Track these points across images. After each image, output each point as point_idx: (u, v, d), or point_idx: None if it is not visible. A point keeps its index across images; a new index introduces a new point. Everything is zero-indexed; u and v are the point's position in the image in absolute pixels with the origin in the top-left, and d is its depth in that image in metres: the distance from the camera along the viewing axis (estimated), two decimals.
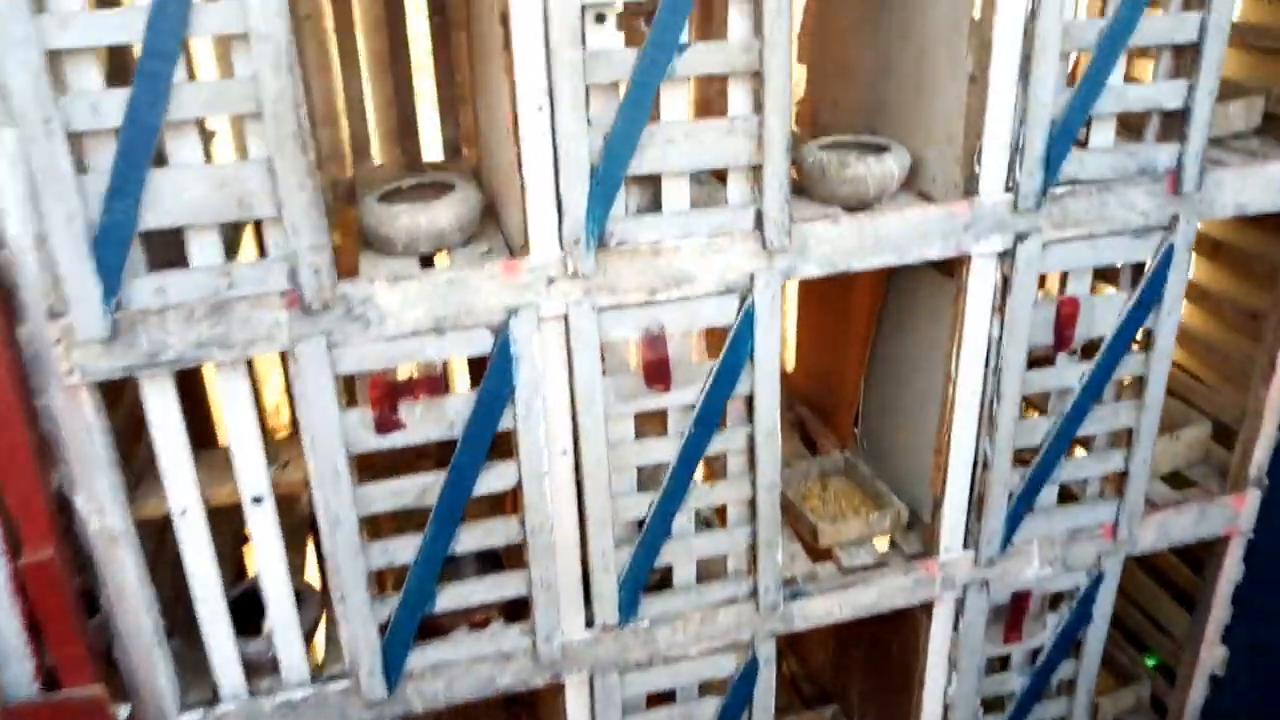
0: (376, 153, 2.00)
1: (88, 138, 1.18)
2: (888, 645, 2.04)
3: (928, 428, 1.77)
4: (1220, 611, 2.06)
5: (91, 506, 1.37)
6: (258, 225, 1.31)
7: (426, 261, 1.53)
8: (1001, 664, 2.01)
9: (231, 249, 1.47)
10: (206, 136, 1.68)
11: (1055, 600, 1.95)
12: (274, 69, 1.16)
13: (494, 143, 1.57)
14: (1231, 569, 2.04)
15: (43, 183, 1.16)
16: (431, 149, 2.04)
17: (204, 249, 1.29)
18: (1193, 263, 1.90)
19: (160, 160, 1.22)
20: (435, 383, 1.43)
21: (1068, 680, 2.04)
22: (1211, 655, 2.11)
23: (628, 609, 1.64)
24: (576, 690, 1.69)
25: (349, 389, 1.49)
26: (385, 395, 1.42)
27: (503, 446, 1.50)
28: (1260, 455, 1.94)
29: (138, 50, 1.14)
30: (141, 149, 1.18)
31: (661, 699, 1.77)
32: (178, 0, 1.10)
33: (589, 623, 1.65)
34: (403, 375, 1.44)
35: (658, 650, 1.69)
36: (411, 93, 1.98)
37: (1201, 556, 2.08)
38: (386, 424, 1.43)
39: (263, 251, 1.32)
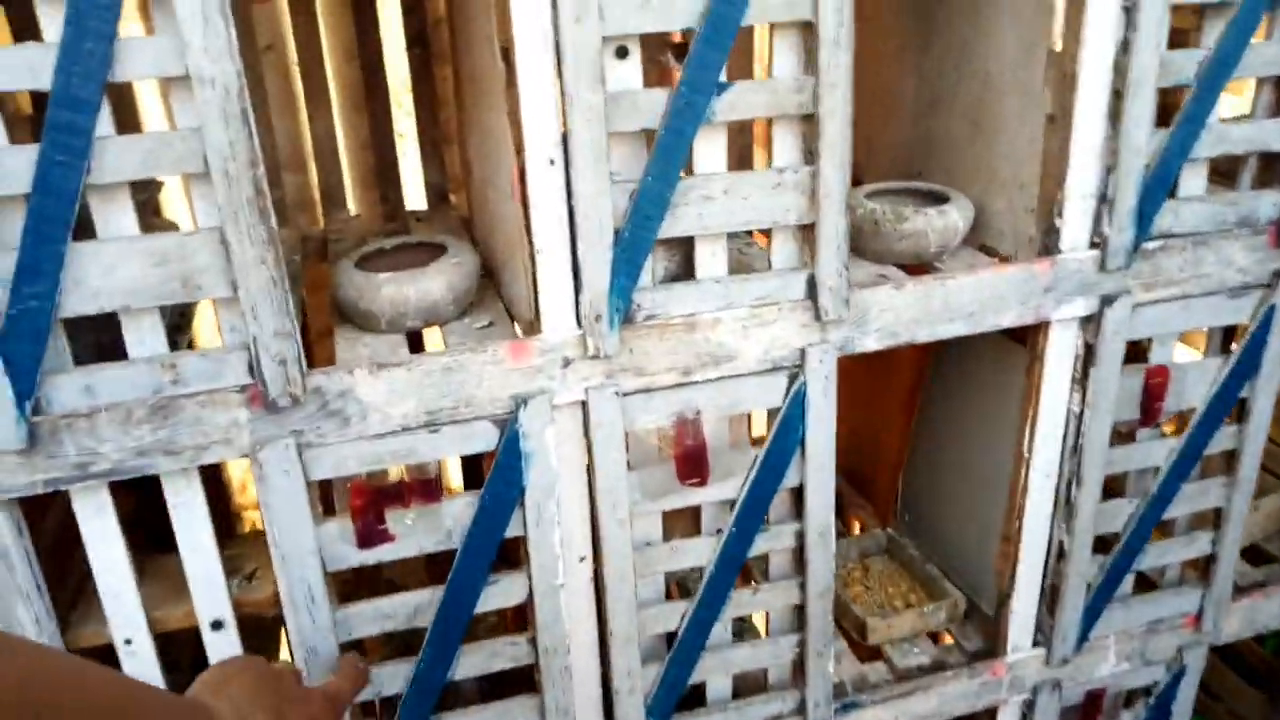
0: (351, 201, 1.77)
1: None
2: None
3: (987, 508, 1.55)
4: None
5: None
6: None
7: (414, 338, 1.30)
8: None
9: (181, 330, 1.23)
10: (153, 189, 1.45)
11: (1130, 697, 1.73)
12: (222, 119, 0.93)
13: (491, 196, 1.34)
14: None
15: None
16: (414, 196, 1.81)
17: (143, 338, 1.05)
18: None
19: (85, 232, 0.98)
20: (429, 486, 1.19)
21: None
22: None
23: None
24: None
25: (326, 495, 1.25)
26: (369, 503, 1.18)
27: (509, 553, 1.27)
28: None
29: None
30: (58, 219, 0.94)
31: None
32: (95, 35, 0.86)
33: None
34: (390, 478, 1.21)
35: None
36: (390, 133, 1.74)
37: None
38: (371, 536, 1.20)
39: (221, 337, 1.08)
